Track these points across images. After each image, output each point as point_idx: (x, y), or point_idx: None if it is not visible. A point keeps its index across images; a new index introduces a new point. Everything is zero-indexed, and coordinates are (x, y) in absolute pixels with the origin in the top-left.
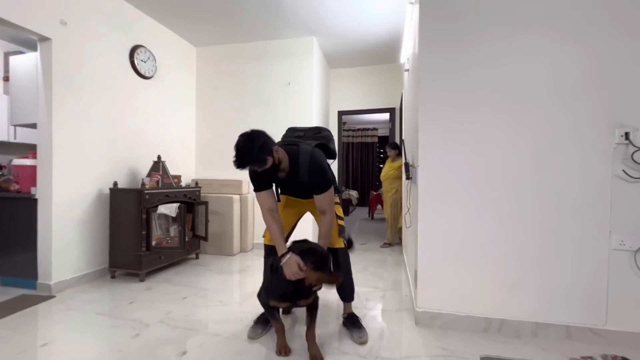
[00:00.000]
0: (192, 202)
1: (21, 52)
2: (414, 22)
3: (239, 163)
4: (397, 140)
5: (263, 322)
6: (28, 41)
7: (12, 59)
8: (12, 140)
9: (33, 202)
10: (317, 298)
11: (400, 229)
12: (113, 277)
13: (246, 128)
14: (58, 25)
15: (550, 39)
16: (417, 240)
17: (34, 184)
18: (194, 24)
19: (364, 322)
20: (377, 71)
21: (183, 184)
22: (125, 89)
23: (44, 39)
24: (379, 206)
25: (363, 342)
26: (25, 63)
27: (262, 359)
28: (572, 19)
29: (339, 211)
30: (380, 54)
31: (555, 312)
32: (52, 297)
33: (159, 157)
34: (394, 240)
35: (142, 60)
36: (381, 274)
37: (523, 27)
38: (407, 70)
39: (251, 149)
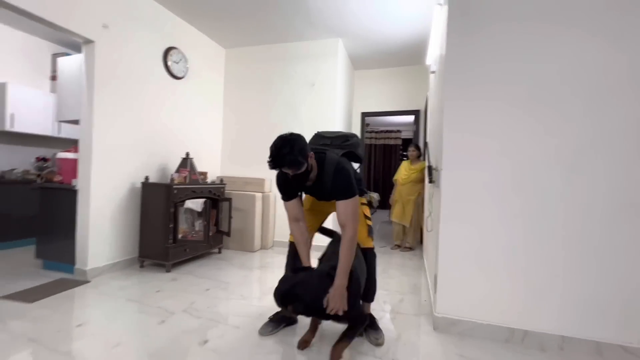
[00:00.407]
0: (216, 198)
1: (67, 54)
2: (441, 24)
3: (276, 163)
4: (422, 143)
5: (276, 321)
6: (73, 43)
7: (59, 60)
8: (56, 135)
9: (73, 193)
10: (360, 316)
11: (420, 231)
12: (142, 266)
13: (270, 128)
14: (101, 29)
15: (587, 38)
16: (437, 245)
17: (75, 176)
18: (224, 26)
19: (380, 324)
20: (402, 73)
21: (209, 180)
22: (158, 89)
23: (88, 42)
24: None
25: (380, 344)
26: (71, 64)
27: (279, 353)
28: (610, 19)
29: (367, 211)
30: (406, 56)
31: (584, 326)
32: (87, 282)
33: (187, 154)
34: (414, 243)
35: (174, 62)
36: (400, 277)
37: (557, 27)
38: (433, 72)
39: (291, 150)
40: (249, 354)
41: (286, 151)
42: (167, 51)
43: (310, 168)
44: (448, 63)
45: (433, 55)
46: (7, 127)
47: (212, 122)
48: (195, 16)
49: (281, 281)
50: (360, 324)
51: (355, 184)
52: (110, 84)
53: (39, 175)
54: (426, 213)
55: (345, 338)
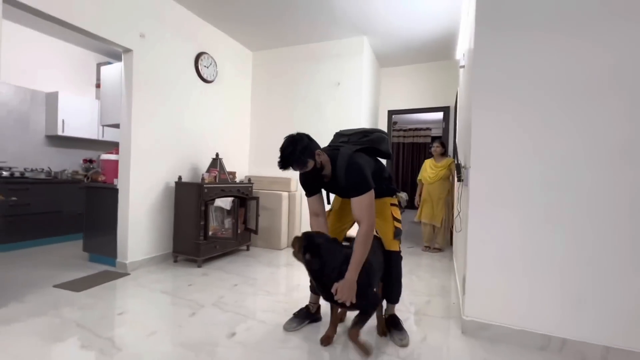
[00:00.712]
0: (244, 197)
1: (109, 63)
2: (470, 17)
3: (282, 164)
4: (451, 140)
5: (301, 317)
6: (115, 53)
7: (103, 69)
8: (101, 138)
9: (115, 191)
10: (371, 304)
11: (450, 232)
12: (175, 261)
13: (296, 128)
14: (138, 38)
15: (623, 28)
16: (466, 246)
17: (116, 176)
18: (251, 29)
19: (406, 326)
20: (431, 68)
21: (237, 180)
22: (190, 93)
23: (127, 50)
24: None
25: (404, 345)
26: (112, 72)
27: (303, 349)
28: None
29: (396, 213)
30: (434, 51)
31: (632, 336)
32: (127, 274)
33: (217, 155)
34: (444, 245)
35: (205, 66)
36: (429, 279)
37: (593, 18)
38: (463, 66)
39: (293, 150)
40: (274, 348)
41: (289, 151)
42: (198, 56)
43: (320, 165)
44: (477, 57)
45: (462, 49)
46: (59, 132)
47: (240, 123)
48: (224, 21)
49: (315, 233)
50: (372, 308)
51: (370, 178)
52: (147, 90)
53: (85, 176)
54: (455, 212)
55: (357, 323)
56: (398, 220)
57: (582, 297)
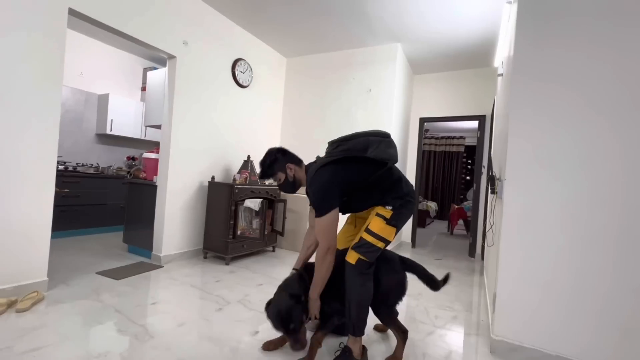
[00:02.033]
0: (272, 199)
1: (155, 68)
2: (510, 23)
3: (259, 174)
4: (486, 151)
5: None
6: (160, 59)
7: (149, 74)
8: (143, 137)
9: (154, 188)
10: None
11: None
12: (205, 257)
13: (325, 133)
14: (181, 45)
15: None
16: (498, 261)
17: (156, 174)
18: (286, 37)
19: (430, 339)
20: (466, 76)
21: (266, 182)
22: (226, 97)
23: (171, 57)
24: (460, 221)
25: None
26: (157, 76)
27: (322, 352)
28: None
29: (375, 225)
30: (471, 58)
31: None
32: (160, 266)
33: (248, 157)
34: None
35: (241, 72)
36: (457, 294)
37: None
38: (501, 74)
39: (263, 163)
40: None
41: (260, 164)
42: (235, 62)
43: (293, 179)
44: (516, 63)
45: (501, 56)
46: (108, 131)
47: (272, 126)
48: (260, 28)
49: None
50: (331, 323)
51: (331, 198)
52: (187, 93)
53: (128, 172)
54: (487, 226)
55: (321, 329)
56: (374, 234)
57: (628, 327)
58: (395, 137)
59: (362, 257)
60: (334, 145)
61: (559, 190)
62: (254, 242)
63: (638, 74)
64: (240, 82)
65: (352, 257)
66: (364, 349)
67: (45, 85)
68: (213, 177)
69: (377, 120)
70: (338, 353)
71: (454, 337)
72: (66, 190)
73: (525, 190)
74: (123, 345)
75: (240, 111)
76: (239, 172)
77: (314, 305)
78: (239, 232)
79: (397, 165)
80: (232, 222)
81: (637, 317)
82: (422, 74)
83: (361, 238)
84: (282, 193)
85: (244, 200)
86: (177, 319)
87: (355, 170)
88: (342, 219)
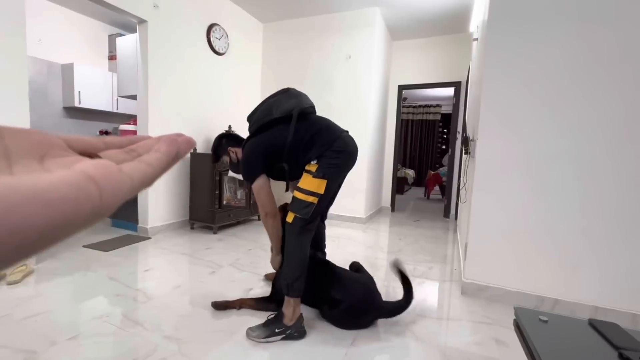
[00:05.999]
0: None
1: (120, 34)
2: None
3: (212, 159)
4: (461, 117)
5: None
6: (126, 24)
7: (118, 40)
8: (115, 110)
9: None
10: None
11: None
12: (192, 228)
13: None
14: (152, 9)
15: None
16: (469, 214)
17: None
18: (261, 0)
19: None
20: (443, 42)
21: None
22: (203, 65)
23: (142, 21)
24: (436, 187)
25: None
26: (127, 44)
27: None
28: None
29: (305, 182)
30: (448, 23)
31: (619, 297)
32: (148, 238)
33: (229, 127)
34: None
35: (217, 38)
36: (432, 249)
37: None
38: (476, 39)
39: (212, 149)
40: None
41: (211, 150)
42: (210, 28)
43: (237, 160)
44: (490, 27)
45: (476, 21)
46: (76, 104)
47: (251, 95)
48: None
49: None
50: (274, 302)
51: (254, 167)
52: (161, 61)
53: None
54: (461, 185)
55: (256, 299)
56: (302, 190)
57: (576, 263)
58: (375, 105)
59: (297, 215)
60: (248, 122)
61: (525, 148)
62: (241, 211)
63: (603, 40)
64: (217, 49)
65: (289, 217)
66: (300, 316)
67: (8, 50)
68: (195, 149)
69: (357, 87)
70: (270, 316)
71: (430, 284)
72: None
73: (495, 147)
74: (124, 307)
75: (219, 79)
76: None
77: (275, 259)
78: (224, 202)
79: (373, 132)
80: (217, 192)
81: (583, 254)
82: (401, 40)
83: (293, 197)
84: None
85: (227, 170)
86: (173, 282)
87: (271, 135)
88: None
